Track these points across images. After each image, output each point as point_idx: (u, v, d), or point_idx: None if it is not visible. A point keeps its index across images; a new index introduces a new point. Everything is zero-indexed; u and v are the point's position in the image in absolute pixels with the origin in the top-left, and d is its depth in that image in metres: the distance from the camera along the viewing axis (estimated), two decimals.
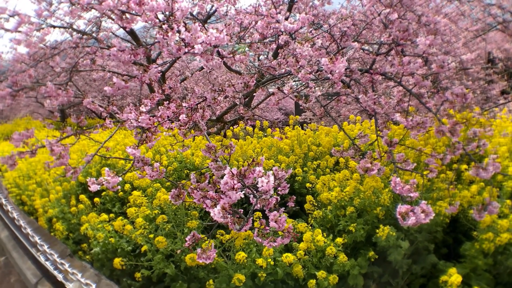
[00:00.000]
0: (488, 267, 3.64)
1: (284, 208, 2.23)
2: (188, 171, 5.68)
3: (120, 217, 4.09)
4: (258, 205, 2.07)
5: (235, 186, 1.96)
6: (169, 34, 2.22)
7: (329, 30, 3.82)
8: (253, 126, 6.31)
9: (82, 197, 5.03)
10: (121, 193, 5.19)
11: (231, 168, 2.04)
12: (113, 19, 6.52)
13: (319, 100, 3.38)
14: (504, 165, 4.38)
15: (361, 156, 4.01)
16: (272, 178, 1.96)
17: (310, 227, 3.82)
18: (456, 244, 4.17)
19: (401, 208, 2.44)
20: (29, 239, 3.66)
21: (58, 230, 4.85)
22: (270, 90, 5.11)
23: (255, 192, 2.11)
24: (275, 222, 2.02)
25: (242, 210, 2.10)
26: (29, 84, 4.17)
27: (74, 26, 5.29)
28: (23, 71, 4.27)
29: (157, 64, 2.43)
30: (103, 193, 5.34)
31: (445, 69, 3.48)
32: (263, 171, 2.01)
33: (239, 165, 5.22)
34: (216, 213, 1.95)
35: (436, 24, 3.97)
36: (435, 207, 3.82)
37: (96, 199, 5.13)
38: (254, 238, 2.14)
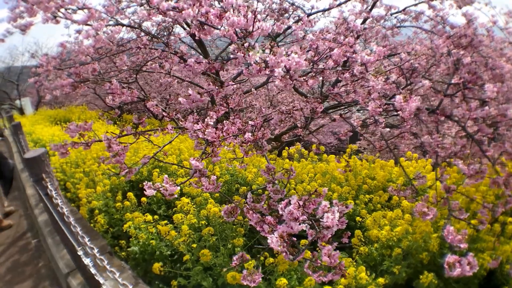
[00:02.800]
0: None
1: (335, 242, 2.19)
2: (239, 185, 5.67)
3: (165, 221, 4.12)
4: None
5: (300, 218, 1.93)
6: (251, 53, 2.21)
7: (400, 64, 3.75)
8: (309, 150, 6.25)
9: (130, 194, 5.11)
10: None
11: (287, 193, 2.01)
12: (184, 28, 6.63)
13: (383, 134, 3.32)
14: None
15: (415, 198, 3.91)
16: (337, 214, 1.91)
17: (354, 263, 3.72)
18: None
19: (450, 258, 2.36)
20: (76, 236, 3.71)
21: (99, 223, 4.92)
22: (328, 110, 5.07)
23: (312, 222, 2.07)
24: (328, 257, 1.99)
25: (295, 239, 2.06)
26: (91, 78, 4.26)
27: (143, 26, 5.41)
28: (86, 63, 4.35)
29: (233, 82, 2.43)
30: None
31: (507, 118, 3.39)
32: (328, 205, 1.97)
33: (291, 187, 5.15)
34: (273, 241, 1.92)
35: (502, 69, 3.91)
36: (477, 257, 3.69)
37: (143, 199, 5.16)
38: (305, 270, 2.10)
